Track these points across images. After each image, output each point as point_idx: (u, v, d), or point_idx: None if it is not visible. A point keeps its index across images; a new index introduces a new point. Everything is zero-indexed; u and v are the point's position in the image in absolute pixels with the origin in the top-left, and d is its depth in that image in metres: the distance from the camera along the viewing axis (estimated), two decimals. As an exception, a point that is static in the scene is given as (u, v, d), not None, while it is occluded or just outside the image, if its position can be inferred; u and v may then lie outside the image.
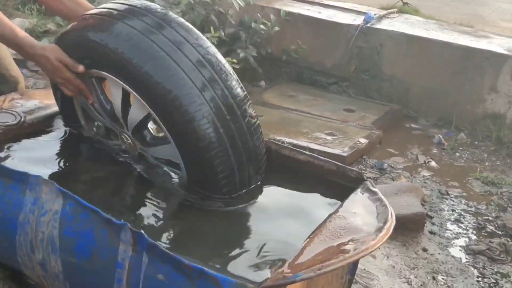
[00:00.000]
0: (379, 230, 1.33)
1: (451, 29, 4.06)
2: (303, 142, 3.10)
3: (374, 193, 1.51)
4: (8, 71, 2.02)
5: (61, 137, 1.74)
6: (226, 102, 1.42)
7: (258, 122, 1.50)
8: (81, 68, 1.54)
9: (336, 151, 3.06)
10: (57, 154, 1.64)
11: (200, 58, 1.41)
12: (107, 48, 1.42)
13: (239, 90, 1.46)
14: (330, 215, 1.40)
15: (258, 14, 4.04)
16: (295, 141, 3.07)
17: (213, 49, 1.45)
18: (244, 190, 1.52)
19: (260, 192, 1.57)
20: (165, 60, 1.38)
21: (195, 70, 1.39)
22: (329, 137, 3.26)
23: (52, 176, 1.48)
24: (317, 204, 1.56)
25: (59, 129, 1.77)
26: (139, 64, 1.39)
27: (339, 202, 1.47)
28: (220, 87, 1.41)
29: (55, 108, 1.79)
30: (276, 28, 3.97)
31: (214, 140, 1.40)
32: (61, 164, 1.60)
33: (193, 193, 1.50)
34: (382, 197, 1.49)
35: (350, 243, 1.28)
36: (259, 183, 1.57)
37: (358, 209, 1.43)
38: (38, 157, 1.60)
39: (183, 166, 1.49)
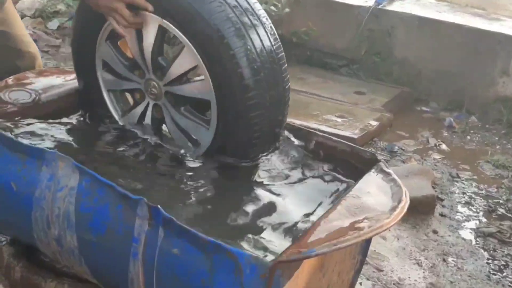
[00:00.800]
0: (394, 209, 1.33)
1: (463, 11, 4.02)
2: (313, 125, 3.09)
3: (388, 174, 1.51)
4: (25, 46, 2.02)
5: (77, 115, 1.75)
6: (267, 45, 1.49)
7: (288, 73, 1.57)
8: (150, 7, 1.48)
9: (347, 133, 3.06)
10: (72, 131, 1.65)
11: (247, 6, 1.48)
12: None
13: (277, 38, 1.54)
14: (344, 195, 1.40)
15: (269, -4, 4.01)
16: (305, 123, 3.05)
17: (258, 3, 1.53)
18: (270, 150, 1.57)
19: (273, 170, 1.58)
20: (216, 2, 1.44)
21: (243, 14, 1.46)
22: (339, 120, 3.26)
23: (68, 152, 1.48)
24: (330, 185, 1.56)
25: (75, 107, 1.78)
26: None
27: (353, 183, 1.48)
28: (263, 31, 1.49)
29: (71, 86, 1.79)
30: (287, 10, 3.94)
31: (255, 81, 1.45)
32: (77, 141, 1.61)
33: (211, 163, 1.53)
34: (396, 177, 1.49)
35: (365, 221, 1.28)
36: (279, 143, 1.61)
37: (372, 189, 1.43)
38: (54, 134, 1.61)
39: (215, 115, 1.50)
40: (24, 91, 1.72)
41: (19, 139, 1.52)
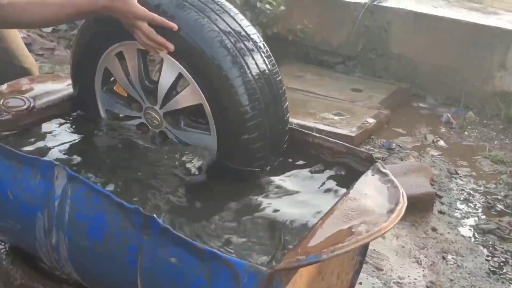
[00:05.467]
0: (391, 211, 1.33)
1: (459, 6, 4.01)
2: (310, 123, 3.09)
3: (385, 174, 1.50)
4: (20, 62, 2.00)
5: (71, 122, 1.74)
6: (263, 71, 1.50)
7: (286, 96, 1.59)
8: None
9: (344, 131, 3.05)
10: (67, 138, 1.64)
11: (242, 31, 1.50)
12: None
13: (273, 61, 1.55)
14: (341, 197, 1.39)
15: (264, -7, 4.00)
16: (302, 122, 3.06)
17: (251, 27, 1.55)
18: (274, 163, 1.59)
19: (270, 175, 1.57)
20: (211, 31, 1.45)
21: (239, 41, 1.47)
22: (336, 117, 3.25)
23: (63, 160, 1.48)
24: (327, 186, 1.56)
25: (69, 114, 1.77)
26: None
27: (349, 184, 1.47)
28: (260, 57, 1.50)
29: (65, 93, 1.78)
30: (282, 8, 3.93)
31: (253, 105, 1.46)
32: (72, 149, 1.60)
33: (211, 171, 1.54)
34: (393, 178, 1.48)
35: (362, 225, 1.27)
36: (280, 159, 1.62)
37: (369, 191, 1.43)
38: (48, 141, 1.60)
39: (215, 136, 1.52)
40: (18, 98, 1.71)
41: (14, 148, 1.51)
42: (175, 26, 1.46)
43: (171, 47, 1.48)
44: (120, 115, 1.74)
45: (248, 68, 1.46)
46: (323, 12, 4.03)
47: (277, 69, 1.55)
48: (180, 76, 1.53)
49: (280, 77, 1.55)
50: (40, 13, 1.54)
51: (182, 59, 1.49)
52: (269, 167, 1.58)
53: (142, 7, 1.48)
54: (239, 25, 1.50)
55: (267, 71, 1.50)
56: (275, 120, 1.54)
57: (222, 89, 1.45)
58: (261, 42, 1.53)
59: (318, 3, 4.04)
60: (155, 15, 1.47)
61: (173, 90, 1.56)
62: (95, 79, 1.70)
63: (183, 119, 1.61)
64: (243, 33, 1.50)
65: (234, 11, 1.54)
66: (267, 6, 3.91)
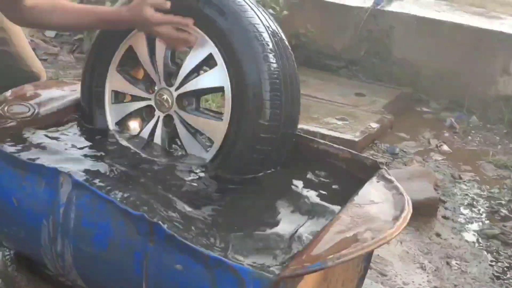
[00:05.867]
0: (396, 218, 1.33)
1: (462, 10, 4.01)
2: (314, 128, 3.09)
3: (390, 181, 1.50)
4: (28, 67, 2.00)
5: (76, 128, 1.74)
6: (290, 71, 1.56)
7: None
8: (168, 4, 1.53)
9: (348, 136, 3.05)
10: (72, 145, 1.64)
11: (275, 29, 1.55)
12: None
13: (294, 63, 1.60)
14: (346, 204, 1.39)
15: (267, -2, 4.00)
16: (305, 127, 3.05)
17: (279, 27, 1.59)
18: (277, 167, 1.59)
19: (274, 181, 1.57)
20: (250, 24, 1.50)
21: (272, 37, 1.52)
22: (340, 122, 3.25)
23: (68, 167, 1.48)
24: (332, 193, 1.55)
25: (73, 120, 1.77)
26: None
27: (354, 191, 1.47)
28: (285, 56, 1.55)
29: (69, 99, 1.79)
30: (285, 12, 3.93)
31: (273, 100, 1.50)
32: (77, 155, 1.60)
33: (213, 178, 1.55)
34: (398, 185, 1.48)
35: (368, 231, 1.27)
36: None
37: (374, 198, 1.43)
38: (53, 148, 1.60)
39: (227, 122, 1.53)
40: (23, 105, 1.71)
41: (19, 155, 1.51)
42: (190, 21, 1.53)
43: (193, 41, 1.55)
44: (127, 96, 1.75)
45: (277, 64, 1.50)
46: (325, 16, 4.03)
47: (297, 71, 1.59)
48: (208, 58, 1.56)
49: (298, 78, 1.60)
50: (63, 18, 1.59)
51: (218, 41, 1.53)
52: (274, 173, 1.58)
53: (157, 13, 1.52)
54: (273, 23, 1.56)
55: (289, 71, 1.54)
56: (288, 121, 1.57)
57: (250, 78, 1.48)
58: (286, 42, 1.58)
59: (321, 7, 4.05)
60: (170, 17, 1.53)
61: (195, 71, 1.60)
62: (114, 57, 1.71)
63: (196, 102, 1.64)
64: (276, 30, 1.55)
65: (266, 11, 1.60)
66: (270, 10, 3.91)
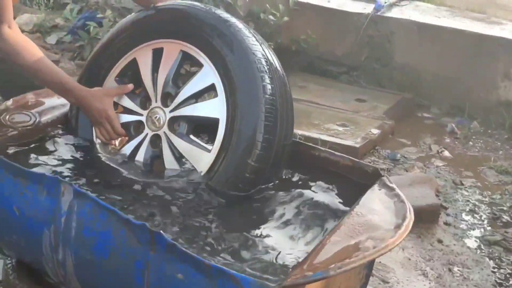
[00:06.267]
0: (398, 227, 1.33)
1: (463, 16, 4.01)
2: (314, 134, 3.08)
3: (392, 188, 1.50)
4: None
5: (77, 137, 1.74)
6: (283, 90, 1.57)
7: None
8: (129, 87, 1.66)
9: (349, 142, 3.05)
10: (73, 154, 1.64)
11: (267, 53, 1.57)
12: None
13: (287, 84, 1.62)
14: (347, 212, 1.39)
15: (267, 5, 4.00)
16: (307, 133, 3.05)
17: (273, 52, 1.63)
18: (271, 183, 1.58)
19: (276, 189, 1.57)
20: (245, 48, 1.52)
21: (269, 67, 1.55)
22: (341, 128, 3.24)
23: (69, 177, 1.48)
24: (333, 201, 1.55)
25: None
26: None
27: (355, 199, 1.47)
28: (279, 75, 1.57)
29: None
30: (285, 18, 3.94)
31: (272, 116, 1.50)
32: (78, 164, 1.61)
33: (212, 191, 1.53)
34: (400, 192, 1.48)
35: (369, 240, 1.27)
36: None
37: (376, 206, 1.43)
38: (54, 157, 1.60)
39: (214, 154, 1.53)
40: (24, 114, 1.71)
41: (20, 164, 1.51)
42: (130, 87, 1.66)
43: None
44: (118, 107, 1.72)
45: (274, 108, 1.50)
46: (326, 22, 4.04)
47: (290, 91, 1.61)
48: (209, 87, 1.56)
49: (293, 117, 1.62)
50: (27, 63, 1.60)
51: (222, 72, 1.54)
52: (275, 182, 1.58)
53: (112, 112, 1.64)
54: (268, 51, 1.59)
55: (286, 113, 1.56)
56: (276, 163, 1.55)
57: (247, 118, 1.48)
58: (280, 67, 1.60)
59: (321, 13, 4.05)
60: (117, 122, 1.65)
61: (194, 98, 1.60)
62: (115, 67, 1.72)
63: (187, 128, 1.63)
64: (278, 68, 1.58)
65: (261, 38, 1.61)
66: (271, 17, 3.92)
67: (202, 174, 1.55)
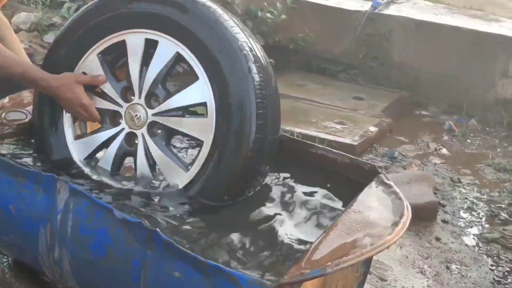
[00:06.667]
0: (395, 224, 1.32)
1: (461, 13, 4.01)
2: (312, 132, 3.08)
3: (389, 186, 1.50)
4: None
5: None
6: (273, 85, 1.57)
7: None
8: (102, 79, 1.53)
9: (346, 140, 3.05)
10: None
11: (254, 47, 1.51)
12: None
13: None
14: (345, 210, 1.39)
15: (265, 3, 4.00)
16: (304, 131, 3.05)
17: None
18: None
19: (272, 187, 1.57)
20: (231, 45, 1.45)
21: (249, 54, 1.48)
22: (338, 126, 3.24)
23: (65, 174, 1.47)
24: (331, 198, 1.55)
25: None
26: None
27: (353, 196, 1.46)
28: (267, 72, 1.55)
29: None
30: (283, 16, 3.93)
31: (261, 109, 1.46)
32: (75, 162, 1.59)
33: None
34: (397, 190, 1.48)
35: (366, 237, 1.27)
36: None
37: (373, 203, 1.42)
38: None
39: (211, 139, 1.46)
40: (20, 111, 1.71)
41: (16, 162, 1.50)
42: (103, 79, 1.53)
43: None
44: (98, 90, 1.57)
45: (261, 94, 1.48)
46: (324, 20, 4.03)
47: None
48: (200, 104, 1.48)
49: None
50: None
51: (217, 90, 1.46)
52: (272, 178, 1.57)
53: (85, 97, 1.51)
54: (254, 42, 1.52)
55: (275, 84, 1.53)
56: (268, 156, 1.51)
57: (230, 150, 1.43)
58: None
59: (319, 11, 4.05)
60: (92, 108, 1.53)
61: (181, 110, 1.49)
62: (99, 42, 1.55)
63: (167, 138, 1.53)
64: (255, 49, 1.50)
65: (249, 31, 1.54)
66: (268, 15, 3.92)
67: (178, 187, 1.49)
